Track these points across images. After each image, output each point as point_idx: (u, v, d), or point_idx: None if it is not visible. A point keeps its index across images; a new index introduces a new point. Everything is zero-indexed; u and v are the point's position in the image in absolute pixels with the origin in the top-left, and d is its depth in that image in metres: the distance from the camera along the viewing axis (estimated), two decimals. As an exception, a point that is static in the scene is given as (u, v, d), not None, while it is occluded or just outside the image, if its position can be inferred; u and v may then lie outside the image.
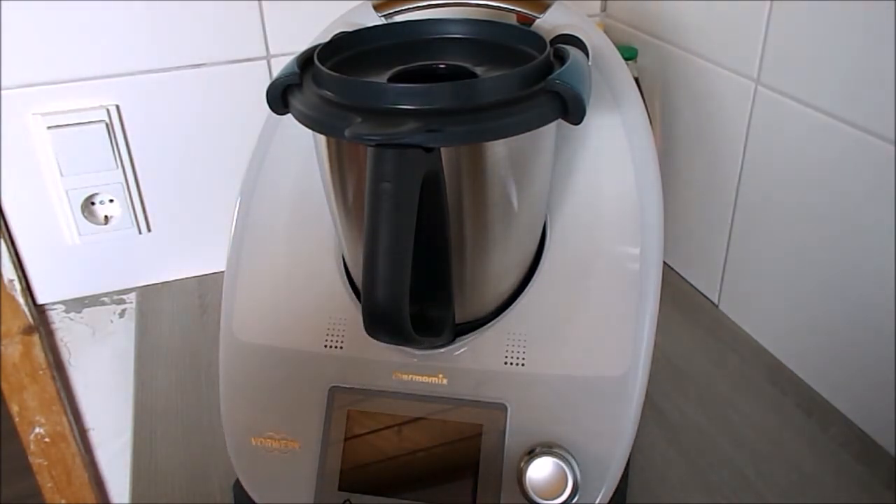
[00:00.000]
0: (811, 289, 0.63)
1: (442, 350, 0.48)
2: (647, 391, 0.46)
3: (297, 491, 0.48)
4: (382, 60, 0.46)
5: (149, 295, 0.82)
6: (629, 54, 0.79)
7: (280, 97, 0.43)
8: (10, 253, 0.75)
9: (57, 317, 0.81)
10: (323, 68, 0.42)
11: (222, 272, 0.52)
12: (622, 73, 0.50)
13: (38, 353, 0.79)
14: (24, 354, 0.79)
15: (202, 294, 0.81)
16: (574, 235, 0.49)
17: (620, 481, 0.47)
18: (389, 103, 0.39)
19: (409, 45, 0.49)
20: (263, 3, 0.74)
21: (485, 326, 0.49)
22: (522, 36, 0.47)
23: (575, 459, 0.45)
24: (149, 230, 0.80)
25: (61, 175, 0.73)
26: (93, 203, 0.76)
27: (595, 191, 0.49)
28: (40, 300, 0.79)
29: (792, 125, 0.62)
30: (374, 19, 0.53)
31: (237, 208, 0.53)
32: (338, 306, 0.50)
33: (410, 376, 0.48)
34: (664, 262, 0.57)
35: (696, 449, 0.60)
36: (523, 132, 0.40)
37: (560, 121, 0.41)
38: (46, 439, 0.83)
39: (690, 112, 0.75)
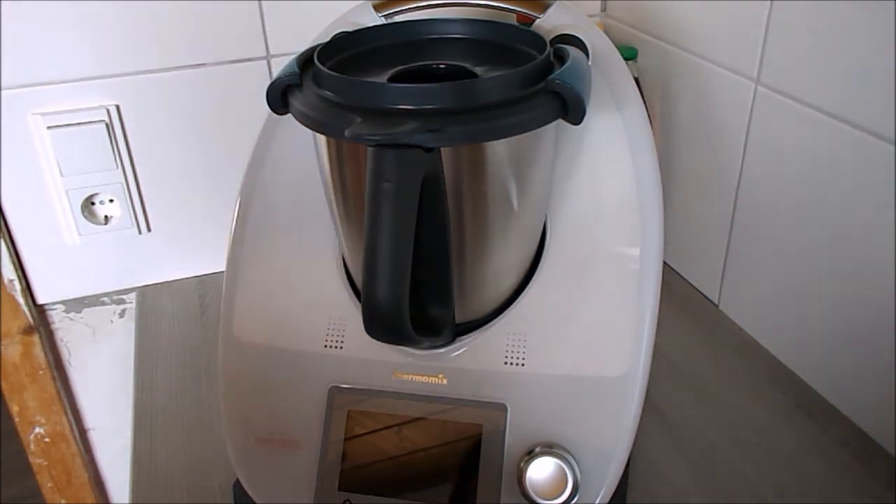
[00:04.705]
0: (811, 289, 0.63)
1: (442, 350, 0.48)
2: (647, 391, 0.46)
3: (297, 491, 0.48)
4: (382, 60, 0.46)
5: (149, 295, 0.82)
6: (629, 54, 0.79)
7: (280, 97, 0.43)
8: (10, 253, 0.75)
9: (57, 317, 0.81)
10: (323, 68, 0.42)
11: (222, 272, 0.52)
12: (622, 73, 0.50)
13: (38, 353, 0.79)
14: (24, 354, 0.79)
15: (202, 294, 0.82)
16: (574, 235, 0.49)
17: (620, 481, 0.47)
18: (389, 103, 0.39)
19: (409, 45, 0.49)
20: (263, 3, 0.74)
21: (485, 326, 0.49)
22: (522, 36, 0.47)
23: (575, 459, 0.45)
24: (149, 230, 0.80)
25: (61, 175, 0.73)
26: (93, 203, 0.76)
27: (595, 191, 0.49)
28: (40, 300, 0.79)
29: (792, 125, 0.62)
30: (374, 19, 0.53)
31: (237, 208, 0.53)
32: (338, 306, 0.50)
33: (410, 376, 0.48)
34: (664, 262, 0.57)
35: (696, 449, 0.60)
36: (523, 132, 0.40)
37: (560, 121, 0.41)
38: (46, 439, 0.83)
39: (690, 112, 0.75)
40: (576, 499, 0.45)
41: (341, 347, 0.49)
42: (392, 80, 0.44)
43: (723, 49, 0.69)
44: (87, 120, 0.72)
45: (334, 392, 0.49)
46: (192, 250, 0.83)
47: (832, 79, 0.57)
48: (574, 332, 0.47)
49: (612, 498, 0.46)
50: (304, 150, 0.49)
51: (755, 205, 0.68)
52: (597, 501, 0.46)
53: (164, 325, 0.77)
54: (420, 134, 0.37)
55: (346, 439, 0.48)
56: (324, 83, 0.42)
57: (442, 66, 0.46)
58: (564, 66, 0.41)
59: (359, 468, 0.48)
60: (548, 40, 0.45)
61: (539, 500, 0.45)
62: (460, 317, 0.48)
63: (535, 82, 0.41)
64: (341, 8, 0.54)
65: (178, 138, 0.77)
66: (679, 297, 0.78)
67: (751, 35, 0.64)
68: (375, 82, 0.42)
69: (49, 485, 0.85)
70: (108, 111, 0.73)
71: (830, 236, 0.60)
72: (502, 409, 0.47)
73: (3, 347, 0.77)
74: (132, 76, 0.73)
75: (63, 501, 0.86)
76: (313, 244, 0.51)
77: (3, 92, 0.70)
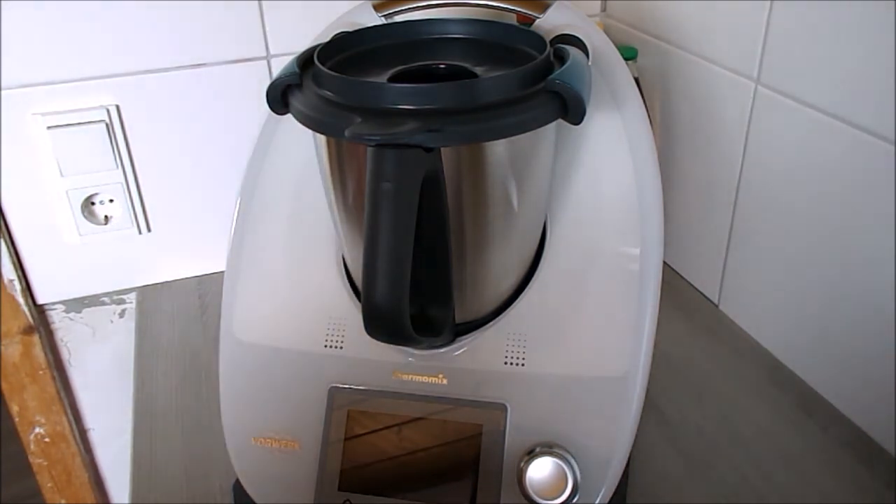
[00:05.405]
0: (811, 289, 0.63)
1: (442, 350, 0.48)
2: (647, 391, 0.47)
3: (297, 491, 0.48)
4: (382, 60, 0.46)
5: (149, 295, 0.82)
6: (629, 54, 0.79)
7: (280, 97, 0.43)
8: (10, 253, 0.75)
9: (57, 317, 0.81)
10: (323, 68, 0.42)
11: (222, 272, 0.52)
12: (622, 73, 0.50)
13: (38, 353, 0.79)
14: (24, 354, 0.79)
15: (202, 294, 0.81)
16: (574, 235, 0.49)
17: (620, 481, 0.47)
18: (389, 103, 0.39)
19: (409, 45, 0.49)
20: (263, 3, 0.74)
21: (485, 326, 0.49)
22: (522, 36, 0.47)
23: (575, 459, 0.45)
24: (149, 230, 0.80)
25: (61, 175, 0.73)
26: (93, 203, 0.76)
27: (595, 191, 0.49)
28: (40, 300, 0.79)
29: (792, 125, 0.62)
30: (374, 19, 0.53)
31: (237, 208, 0.53)
32: (338, 306, 0.50)
33: (410, 376, 0.48)
34: (664, 262, 0.57)
35: (696, 449, 0.60)
36: (523, 132, 0.40)
37: (560, 121, 0.41)
38: (46, 439, 0.83)
39: (690, 112, 0.75)
40: (576, 499, 0.45)
41: (341, 347, 0.49)
42: (392, 80, 0.44)
43: (723, 49, 0.69)
44: (87, 120, 0.72)
45: (334, 392, 0.49)
46: (192, 250, 0.83)
47: (832, 79, 0.57)
48: (574, 332, 0.47)
49: (612, 498, 0.46)
50: (304, 150, 0.49)
51: (755, 205, 0.68)
52: (597, 501, 0.46)
53: (164, 325, 0.77)
54: (420, 134, 0.37)
55: (346, 439, 0.48)
56: (324, 83, 0.42)
57: (442, 66, 0.46)
58: (564, 66, 0.41)
59: (359, 468, 0.48)
60: (548, 40, 0.45)
61: (539, 500, 0.45)
62: (460, 317, 0.48)
63: (535, 82, 0.41)
64: (341, 8, 0.54)
65: (178, 138, 0.77)
66: (679, 297, 0.78)
67: (751, 35, 0.64)
68: (375, 82, 0.42)
69: (49, 485, 0.85)
70: (108, 111, 0.73)
71: (830, 236, 0.60)
72: (502, 409, 0.47)
73: (3, 347, 0.77)
74: (132, 76, 0.73)
75: (63, 501, 0.86)
76: (313, 244, 0.51)
77: (3, 92, 0.70)
